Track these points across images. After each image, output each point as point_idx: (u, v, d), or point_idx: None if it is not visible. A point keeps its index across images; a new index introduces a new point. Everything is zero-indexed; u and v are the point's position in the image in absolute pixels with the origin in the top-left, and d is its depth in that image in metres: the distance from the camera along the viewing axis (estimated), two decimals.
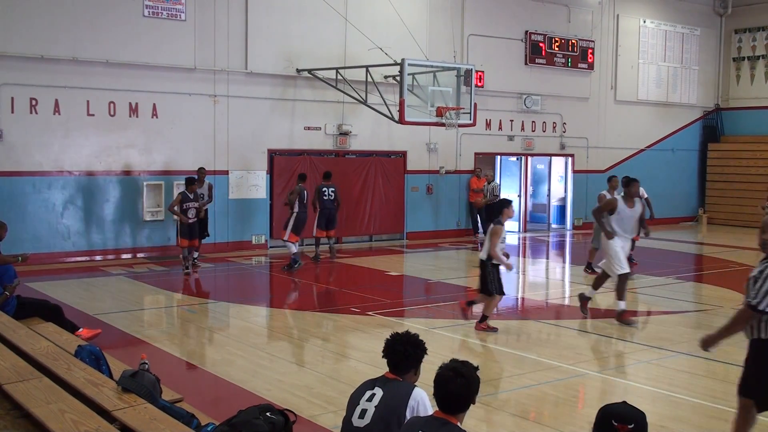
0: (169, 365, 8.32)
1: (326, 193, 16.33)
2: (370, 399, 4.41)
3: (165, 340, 9.73)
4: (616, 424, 3.17)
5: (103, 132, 15.88)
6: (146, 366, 5.33)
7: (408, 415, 4.30)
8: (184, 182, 15.14)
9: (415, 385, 4.49)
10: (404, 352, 4.56)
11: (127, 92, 16.03)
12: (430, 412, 4.22)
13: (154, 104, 16.37)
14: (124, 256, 16.14)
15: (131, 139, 16.24)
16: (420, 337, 4.69)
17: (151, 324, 11.09)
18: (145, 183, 16.42)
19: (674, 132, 26.14)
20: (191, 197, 14.61)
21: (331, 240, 16.66)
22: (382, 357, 4.63)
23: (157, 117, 16.44)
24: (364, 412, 4.37)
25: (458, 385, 3.86)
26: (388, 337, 4.66)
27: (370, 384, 4.54)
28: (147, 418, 4.57)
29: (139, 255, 16.36)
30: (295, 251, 15.32)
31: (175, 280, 14.25)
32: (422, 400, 4.35)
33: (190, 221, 14.63)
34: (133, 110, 16.16)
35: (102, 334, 9.08)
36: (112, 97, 15.89)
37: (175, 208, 14.54)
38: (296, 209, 15.41)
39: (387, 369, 4.65)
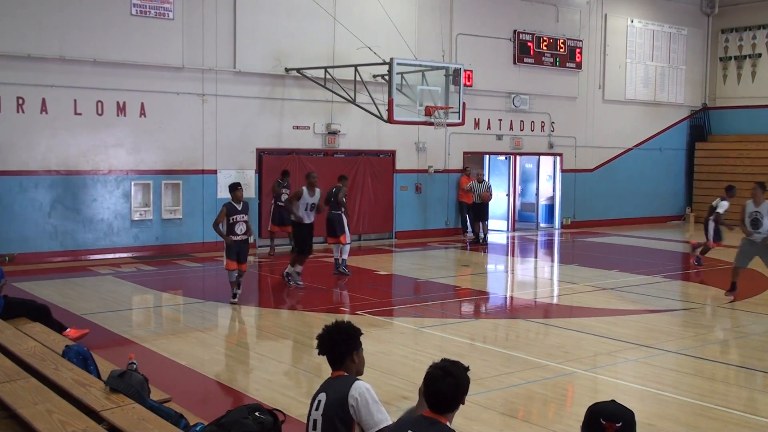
0: (157, 365, 8.29)
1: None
2: (317, 407, 4.29)
3: (153, 339, 9.71)
4: (604, 422, 3.18)
5: (90, 131, 15.81)
6: (134, 366, 5.31)
7: (352, 415, 4.18)
8: (228, 189, 12.32)
9: (355, 379, 4.32)
10: (337, 339, 4.41)
11: (114, 91, 15.96)
12: (372, 403, 4.17)
13: (142, 103, 16.32)
14: (112, 255, 16.07)
15: (119, 138, 16.17)
16: (349, 322, 4.52)
17: (140, 324, 11.06)
18: (133, 182, 16.36)
19: (662, 131, 26.26)
20: (238, 208, 11.79)
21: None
22: (318, 352, 4.48)
23: (145, 116, 16.38)
24: (315, 422, 4.26)
25: (447, 385, 3.85)
26: (321, 330, 4.51)
27: (320, 389, 4.40)
28: (135, 419, 4.56)
29: (127, 255, 16.30)
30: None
31: (163, 280, 14.21)
32: (361, 396, 4.20)
33: (238, 239, 11.75)
34: (121, 109, 16.10)
35: (90, 334, 9.04)
36: (99, 96, 15.82)
37: (220, 226, 11.70)
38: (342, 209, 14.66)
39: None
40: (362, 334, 4.56)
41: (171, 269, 15.26)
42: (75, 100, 15.58)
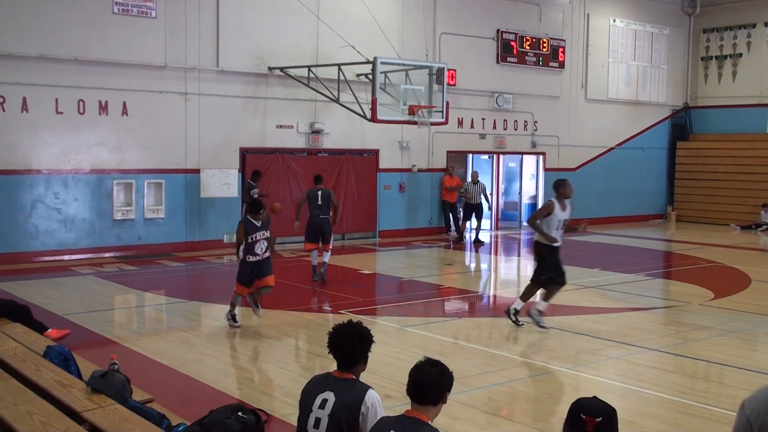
0: (139, 365, 8.25)
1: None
2: (322, 406, 4.25)
3: (135, 340, 9.66)
4: (584, 417, 3.21)
5: (72, 130, 15.71)
6: (116, 366, 5.29)
7: (359, 420, 4.18)
8: (247, 206, 10.78)
9: (368, 388, 4.31)
10: (350, 347, 4.34)
11: (96, 90, 15.87)
12: (380, 413, 4.16)
13: (124, 102, 16.23)
14: (94, 255, 15.98)
15: (101, 137, 16.08)
16: (362, 324, 4.46)
17: (122, 324, 11.00)
18: (115, 182, 16.27)
19: (644, 130, 26.42)
20: (258, 225, 9.99)
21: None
22: (329, 353, 4.43)
23: (127, 115, 16.29)
24: (318, 421, 4.24)
25: (433, 373, 3.87)
26: (331, 331, 4.41)
27: (321, 385, 4.35)
28: (117, 419, 4.54)
29: (109, 254, 16.21)
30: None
31: (146, 280, 14.14)
32: (373, 406, 4.20)
33: (255, 259, 10.02)
34: (103, 108, 16.01)
35: (71, 335, 8.98)
36: (81, 94, 15.72)
37: (241, 248, 10.06)
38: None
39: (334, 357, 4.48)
40: (374, 340, 4.52)
41: (153, 269, 15.19)
42: (56, 99, 15.47)
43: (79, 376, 5.58)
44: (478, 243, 19.93)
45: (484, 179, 22.99)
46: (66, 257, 15.70)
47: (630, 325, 10.83)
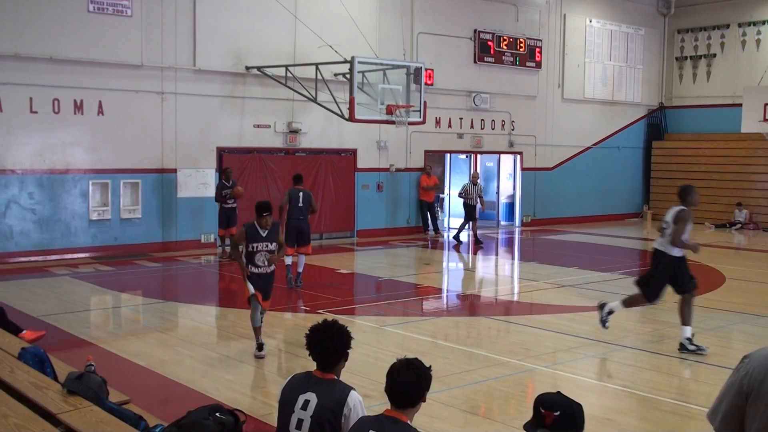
0: (116, 366, 8.20)
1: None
2: (304, 407, 4.24)
3: (112, 341, 9.59)
4: (543, 411, 3.24)
5: (47, 129, 15.56)
6: (92, 368, 5.24)
7: (342, 422, 4.18)
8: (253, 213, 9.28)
9: (351, 389, 4.31)
10: (331, 348, 4.33)
11: (71, 89, 15.72)
12: (361, 414, 4.17)
13: (100, 101, 16.10)
14: (70, 256, 15.83)
15: (76, 136, 15.94)
16: (339, 323, 4.45)
17: (98, 325, 10.91)
18: (91, 182, 16.13)
19: (620, 130, 26.63)
20: (263, 234, 8.95)
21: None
22: (308, 354, 4.42)
23: (103, 114, 16.17)
24: (300, 422, 4.23)
25: (409, 377, 3.86)
26: (309, 331, 4.39)
27: (303, 385, 4.34)
28: (93, 421, 4.50)
29: (85, 255, 16.07)
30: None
31: (122, 280, 14.04)
32: (355, 407, 4.20)
33: (258, 272, 8.98)
34: (78, 107, 15.87)
35: (47, 336, 8.88)
36: (56, 94, 15.57)
37: (243, 258, 9.03)
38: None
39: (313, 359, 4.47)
40: (353, 337, 4.51)
41: (130, 269, 15.08)
42: (31, 98, 15.31)
43: (55, 378, 5.52)
44: (479, 244, 19.55)
45: (461, 179, 23.07)
46: (41, 258, 15.54)
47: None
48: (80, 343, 9.37)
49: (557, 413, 3.22)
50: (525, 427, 3.34)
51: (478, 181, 20.21)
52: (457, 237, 19.99)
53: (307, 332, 4.43)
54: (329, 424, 4.19)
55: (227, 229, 16.14)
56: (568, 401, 3.31)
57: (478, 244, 19.58)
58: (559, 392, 3.42)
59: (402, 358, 4.00)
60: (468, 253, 19.54)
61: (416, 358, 4.01)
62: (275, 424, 6.54)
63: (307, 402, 4.25)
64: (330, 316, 10.35)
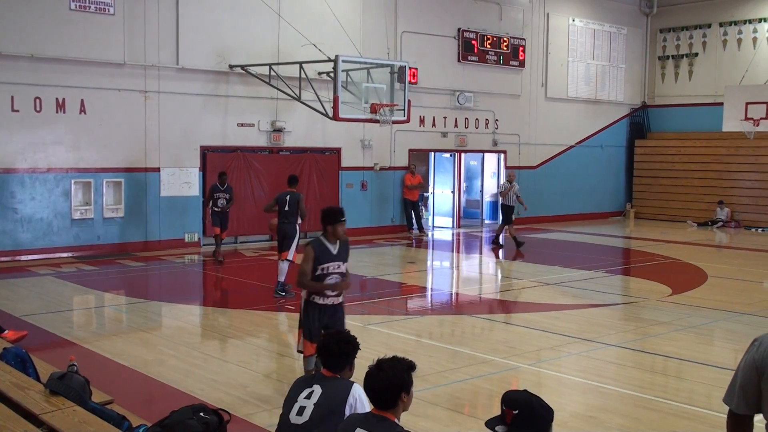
0: (99, 366, 8.15)
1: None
2: (308, 396, 4.39)
3: (95, 341, 9.54)
4: (504, 408, 3.27)
5: (28, 128, 15.43)
6: (75, 368, 5.22)
7: (347, 412, 4.30)
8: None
9: (353, 382, 4.48)
10: (339, 351, 4.55)
11: (53, 87, 15.61)
12: (368, 407, 4.23)
13: (82, 100, 15.99)
14: (52, 255, 15.72)
15: (58, 135, 15.82)
16: (350, 333, 4.70)
17: (80, 325, 10.85)
18: (73, 181, 16.02)
19: (603, 129, 26.75)
20: (334, 252, 7.01)
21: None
22: (316, 358, 4.62)
23: (85, 113, 16.06)
24: (302, 409, 4.34)
25: (378, 380, 3.88)
26: (322, 336, 4.66)
27: (307, 381, 4.52)
28: (76, 421, 4.48)
29: (68, 254, 15.96)
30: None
31: (105, 280, 13.96)
32: (359, 397, 4.34)
33: (324, 302, 7.03)
34: (60, 106, 15.76)
35: (28, 336, 8.83)
36: (37, 92, 15.45)
37: (308, 279, 6.96)
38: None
39: (322, 365, 4.64)
40: (360, 347, 4.72)
41: (113, 269, 15.00)
42: (12, 97, 15.18)
43: (37, 378, 5.49)
44: (520, 244, 18.51)
45: (446, 177, 23.12)
46: (23, 257, 15.43)
47: (590, 321, 10.96)
48: (63, 343, 9.31)
49: (516, 412, 3.24)
50: (487, 423, 3.36)
51: (514, 179, 19.17)
52: (496, 241, 19.08)
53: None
54: (333, 412, 4.30)
55: (223, 230, 15.89)
56: (527, 400, 3.32)
57: (519, 246, 18.41)
58: (525, 390, 3.43)
59: (379, 359, 4.00)
60: (452, 251, 19.56)
61: (392, 359, 3.99)
62: (259, 424, 6.57)
63: (311, 393, 4.42)
64: None
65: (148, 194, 16.95)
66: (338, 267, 6.95)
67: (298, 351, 7.22)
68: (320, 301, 6.98)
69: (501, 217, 19.34)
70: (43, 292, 12.58)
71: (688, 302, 12.25)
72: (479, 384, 7.98)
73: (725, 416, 3.41)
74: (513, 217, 18.98)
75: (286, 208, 12.23)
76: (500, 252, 18.54)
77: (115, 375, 8.07)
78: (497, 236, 19.20)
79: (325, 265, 6.89)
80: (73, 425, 4.41)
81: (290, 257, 12.18)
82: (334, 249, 6.97)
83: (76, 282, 13.55)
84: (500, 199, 19.27)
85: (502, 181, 19.34)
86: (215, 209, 15.77)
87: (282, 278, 12.28)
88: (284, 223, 12.27)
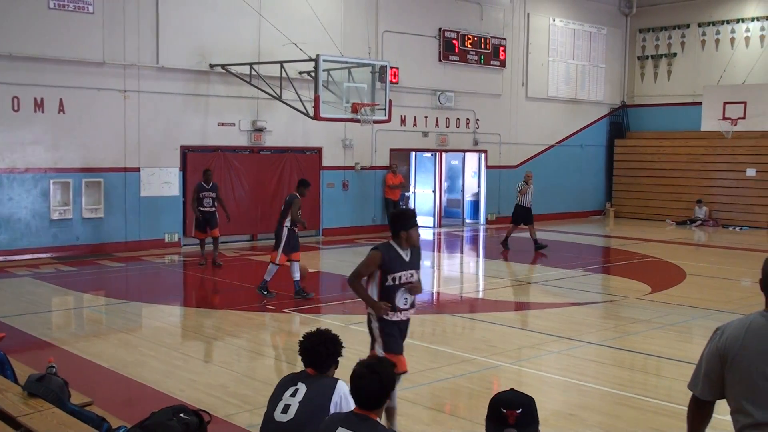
0: (78, 368, 8.10)
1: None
2: (293, 394, 4.38)
3: (74, 342, 9.47)
4: (504, 410, 3.25)
5: (6, 128, 15.29)
6: (54, 369, 5.18)
7: (332, 409, 4.30)
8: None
9: (339, 379, 4.49)
10: (324, 352, 4.53)
11: (32, 87, 15.47)
12: (353, 405, 4.24)
13: (61, 99, 15.87)
14: (30, 256, 15.58)
15: (37, 135, 15.69)
16: (333, 333, 4.66)
17: (59, 326, 10.77)
18: (51, 181, 15.90)
19: (583, 128, 26.89)
20: (406, 258, 6.41)
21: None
22: (301, 359, 4.59)
23: (64, 112, 15.94)
24: (287, 407, 4.34)
25: (372, 382, 3.89)
26: (303, 338, 4.60)
27: (292, 380, 4.51)
28: (55, 424, 4.45)
29: (46, 255, 15.83)
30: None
31: (85, 281, 13.86)
32: (344, 395, 4.34)
33: (398, 319, 6.33)
34: (39, 105, 15.62)
35: (6, 338, 8.70)
36: (15, 91, 15.31)
37: (371, 295, 6.40)
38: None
39: (301, 365, 4.63)
40: (344, 346, 4.69)
41: (92, 269, 14.90)
42: None
43: (15, 381, 5.45)
44: (540, 248, 17.82)
45: (427, 177, 23.16)
46: (1, 258, 15.28)
47: (570, 319, 11.02)
48: (41, 345, 9.24)
49: (519, 411, 3.25)
50: (488, 429, 3.35)
51: (531, 180, 18.51)
52: (504, 243, 18.27)
53: (301, 338, 4.60)
54: (317, 408, 4.29)
55: (207, 232, 15.13)
56: (527, 397, 3.34)
57: (539, 249, 17.73)
58: (512, 389, 3.45)
59: (365, 360, 4.02)
60: (433, 250, 19.57)
61: (380, 360, 4.03)
62: (241, 424, 6.56)
63: (296, 390, 4.40)
64: (297, 316, 10.36)
65: (128, 194, 16.85)
66: (411, 276, 6.31)
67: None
68: (394, 317, 6.22)
69: (515, 219, 18.40)
70: (21, 294, 12.48)
71: (667, 300, 12.35)
72: (460, 383, 8.00)
73: None
74: (530, 218, 18.17)
75: (282, 208, 12.30)
76: (508, 254, 17.86)
77: (95, 376, 8.02)
78: (506, 238, 18.34)
79: (397, 274, 6.18)
80: (51, 427, 4.38)
81: (277, 260, 11.96)
82: (406, 256, 6.30)
83: (54, 283, 13.45)
84: (517, 199, 18.40)
85: (521, 183, 18.42)
86: (202, 209, 14.98)
87: (268, 277, 12.12)
88: (277, 223, 12.21)
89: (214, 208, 15.15)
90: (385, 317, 6.19)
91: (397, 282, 6.17)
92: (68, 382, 5.17)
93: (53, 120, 15.83)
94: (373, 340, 6.33)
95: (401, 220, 6.35)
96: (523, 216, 18.22)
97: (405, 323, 6.35)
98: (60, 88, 15.82)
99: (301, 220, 12.22)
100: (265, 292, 12.11)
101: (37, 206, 15.78)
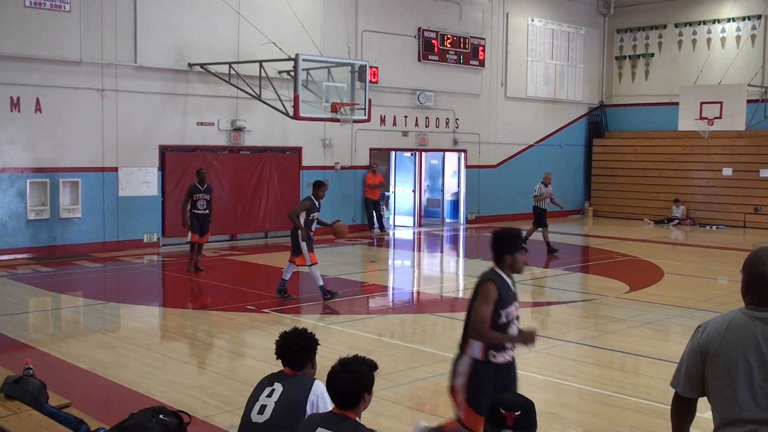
0: (55, 369, 8.03)
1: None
2: (269, 395, 4.37)
3: (51, 343, 9.39)
4: (503, 411, 3.27)
5: None
6: (31, 371, 5.14)
7: (308, 410, 4.29)
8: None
9: (315, 379, 4.48)
10: (298, 349, 4.51)
11: (8, 86, 15.32)
12: (330, 405, 4.23)
13: (38, 98, 15.72)
14: (7, 257, 15.43)
15: (13, 135, 15.54)
16: (308, 330, 4.65)
17: (37, 327, 10.67)
18: (28, 181, 15.75)
19: (561, 128, 27.03)
20: (513, 288, 5.25)
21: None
22: (276, 358, 4.58)
23: (41, 112, 15.79)
24: (263, 408, 4.33)
25: (344, 381, 3.88)
26: (278, 338, 4.58)
27: (269, 380, 4.50)
28: (32, 426, 4.42)
29: (23, 256, 15.68)
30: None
31: (62, 281, 13.74)
32: (321, 394, 4.33)
33: (507, 358, 5.20)
34: (15, 104, 15.47)
35: None
36: None
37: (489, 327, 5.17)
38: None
39: (279, 366, 4.62)
40: (319, 343, 4.67)
41: (70, 270, 14.78)
42: None
43: None
44: (552, 251, 17.46)
45: (407, 176, 23.17)
46: None
47: (550, 318, 11.08)
48: (18, 346, 9.15)
49: (518, 413, 3.26)
50: (485, 429, 3.36)
51: (550, 182, 18.06)
52: (549, 248, 17.60)
53: (277, 339, 4.58)
54: (293, 408, 4.28)
55: (202, 235, 14.57)
56: (526, 400, 3.37)
57: (552, 252, 17.36)
58: (513, 391, 3.48)
59: (343, 359, 4.01)
60: (413, 250, 19.60)
61: (356, 359, 4.01)
62: (221, 425, 6.53)
63: (272, 390, 4.39)
64: (275, 316, 10.33)
65: (106, 194, 16.73)
66: (517, 309, 5.22)
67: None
68: (501, 359, 5.12)
69: (533, 221, 17.90)
70: None
71: (645, 299, 12.44)
72: (441, 382, 7.99)
73: None
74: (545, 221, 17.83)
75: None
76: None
77: (73, 378, 7.96)
78: (547, 243, 17.69)
79: (509, 309, 5.12)
80: (29, 430, 4.35)
81: (308, 261, 11.92)
82: (513, 286, 5.22)
83: (31, 284, 13.33)
84: (534, 201, 17.89)
85: (539, 185, 17.92)
86: (195, 212, 14.31)
87: (320, 282, 11.99)
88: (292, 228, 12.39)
89: (208, 211, 14.52)
90: (490, 360, 5.07)
91: (509, 318, 5.11)
92: (46, 383, 5.14)
93: (30, 119, 15.69)
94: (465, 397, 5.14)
95: (507, 241, 5.21)
96: (539, 218, 17.73)
97: (509, 366, 5.20)
98: (37, 87, 15.68)
99: (301, 226, 12.17)
100: (328, 296, 11.94)
101: (13, 206, 15.62)
